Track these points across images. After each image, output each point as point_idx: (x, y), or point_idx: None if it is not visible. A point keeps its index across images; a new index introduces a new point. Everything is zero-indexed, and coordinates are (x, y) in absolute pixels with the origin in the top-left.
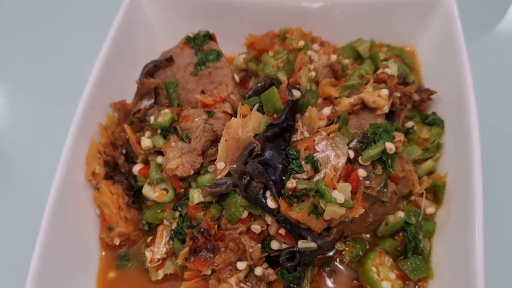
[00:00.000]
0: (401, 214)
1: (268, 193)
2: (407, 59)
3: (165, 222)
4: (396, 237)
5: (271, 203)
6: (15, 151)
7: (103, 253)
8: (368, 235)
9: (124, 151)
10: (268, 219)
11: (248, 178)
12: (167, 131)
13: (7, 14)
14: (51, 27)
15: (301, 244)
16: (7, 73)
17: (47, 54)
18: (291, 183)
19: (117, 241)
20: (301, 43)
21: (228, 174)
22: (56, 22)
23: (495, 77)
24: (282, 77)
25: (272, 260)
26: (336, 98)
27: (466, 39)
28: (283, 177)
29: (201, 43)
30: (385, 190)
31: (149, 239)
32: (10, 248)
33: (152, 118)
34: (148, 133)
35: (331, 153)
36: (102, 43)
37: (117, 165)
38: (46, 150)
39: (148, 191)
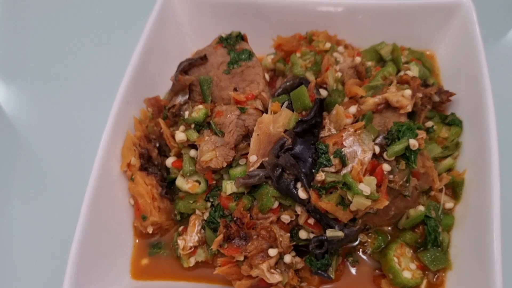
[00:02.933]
0: (421, 208)
1: (299, 185)
2: (427, 63)
3: (197, 212)
4: (416, 230)
5: (302, 194)
6: (50, 146)
7: (137, 241)
8: (389, 228)
9: (157, 144)
10: (298, 210)
11: (280, 170)
12: (201, 125)
13: (42, 11)
14: (86, 24)
15: (329, 233)
16: (41, 69)
17: (82, 51)
18: (320, 176)
19: (150, 230)
20: (328, 45)
21: (260, 167)
22: (92, 21)
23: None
24: (310, 76)
25: (299, 249)
26: (361, 97)
27: (484, 43)
28: (313, 170)
29: (233, 43)
30: (407, 184)
31: (181, 228)
32: (53, 234)
33: (186, 113)
34: (182, 128)
35: (358, 148)
36: (136, 43)
37: (151, 157)
38: (81, 144)
39: (182, 183)
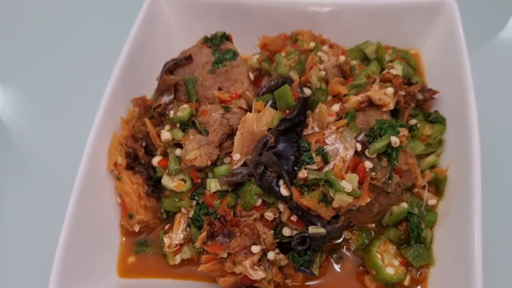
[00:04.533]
0: (404, 205)
1: (281, 182)
2: (411, 61)
3: (182, 210)
4: (399, 226)
5: (284, 191)
6: (39, 145)
7: (123, 239)
8: (373, 225)
9: (144, 144)
10: (281, 207)
11: (262, 167)
12: (186, 125)
13: (29, 13)
14: (75, 26)
15: (312, 229)
16: (31, 70)
17: (71, 53)
18: (302, 173)
19: (137, 228)
20: (312, 44)
21: (244, 165)
22: (80, 22)
23: (494, 79)
24: (294, 76)
25: (283, 246)
26: (344, 95)
27: (468, 45)
28: (295, 168)
29: (218, 43)
30: (390, 181)
31: (167, 226)
32: (41, 233)
33: (171, 113)
34: (167, 127)
35: (340, 146)
36: (123, 43)
37: (138, 156)
38: (69, 144)
39: (167, 181)
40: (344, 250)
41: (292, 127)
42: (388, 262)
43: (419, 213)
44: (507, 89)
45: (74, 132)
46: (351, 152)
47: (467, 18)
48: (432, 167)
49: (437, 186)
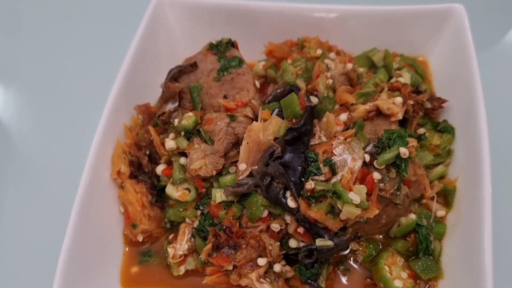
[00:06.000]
0: (413, 216)
1: (288, 194)
2: (419, 69)
3: (187, 220)
4: (407, 238)
5: (291, 203)
6: (40, 151)
7: (127, 249)
8: (381, 236)
9: (147, 152)
10: (287, 218)
11: (269, 178)
12: (191, 133)
13: (31, 17)
14: (78, 31)
15: (319, 242)
16: (32, 75)
17: (74, 58)
18: (309, 184)
19: (140, 238)
20: (319, 51)
21: (250, 175)
22: (84, 27)
23: (504, 86)
24: (301, 84)
25: (289, 258)
26: (352, 104)
27: (476, 49)
28: (302, 179)
29: (223, 50)
30: (398, 193)
31: (171, 236)
32: (41, 242)
33: (176, 121)
34: (172, 135)
35: (348, 157)
36: (126, 49)
37: (141, 165)
38: (72, 151)
39: (171, 190)
40: (351, 261)
41: (299, 137)
42: (396, 274)
43: (427, 225)
44: None
45: (77, 137)
46: (359, 163)
47: (474, 23)
48: (441, 177)
49: (446, 197)
